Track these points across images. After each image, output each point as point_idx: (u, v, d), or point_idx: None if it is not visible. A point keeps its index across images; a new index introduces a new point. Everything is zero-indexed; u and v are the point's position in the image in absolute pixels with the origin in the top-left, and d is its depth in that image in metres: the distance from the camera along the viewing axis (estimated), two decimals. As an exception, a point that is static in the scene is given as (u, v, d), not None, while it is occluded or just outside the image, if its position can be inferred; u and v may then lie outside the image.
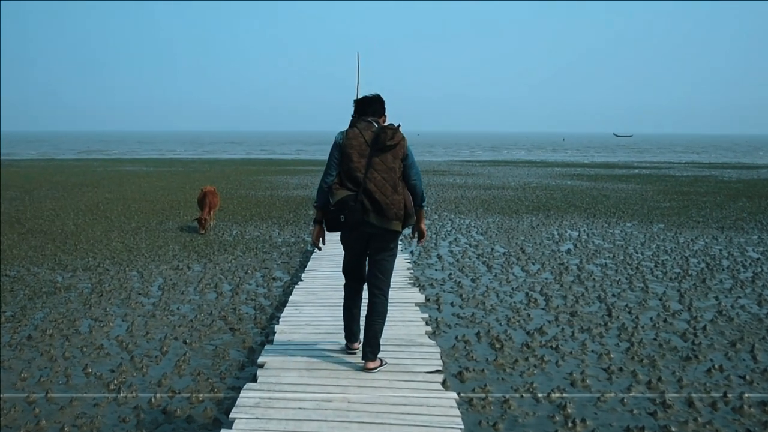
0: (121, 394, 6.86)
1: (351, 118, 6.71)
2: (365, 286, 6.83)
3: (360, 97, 6.77)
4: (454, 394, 6.01)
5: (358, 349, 6.90)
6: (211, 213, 17.65)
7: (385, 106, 6.81)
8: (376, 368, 6.58)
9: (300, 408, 5.62)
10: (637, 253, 14.62)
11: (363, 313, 6.88)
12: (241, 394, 5.98)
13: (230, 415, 5.57)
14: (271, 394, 5.94)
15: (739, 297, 10.84)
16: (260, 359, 6.94)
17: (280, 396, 5.90)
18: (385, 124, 6.66)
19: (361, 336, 6.81)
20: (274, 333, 7.93)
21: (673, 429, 6.11)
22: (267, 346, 7.38)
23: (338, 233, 6.63)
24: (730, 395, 6.88)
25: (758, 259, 14.01)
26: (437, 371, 6.58)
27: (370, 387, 6.13)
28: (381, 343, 6.74)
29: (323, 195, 6.50)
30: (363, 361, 6.63)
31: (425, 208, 6.84)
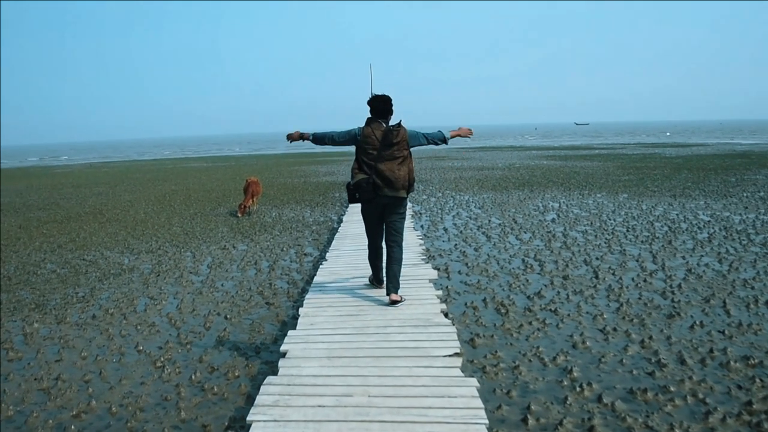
0: (166, 372, 5.81)
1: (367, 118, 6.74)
2: (383, 244, 7.02)
3: (371, 97, 6.67)
4: (475, 382, 4.63)
5: (383, 286, 6.85)
6: (254, 199, 16.46)
7: (392, 104, 6.73)
8: (398, 302, 6.69)
9: (319, 406, 4.31)
10: (610, 219, 13.40)
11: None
12: (261, 391, 4.64)
13: (248, 417, 4.23)
14: (291, 389, 4.61)
15: (702, 256, 9.73)
16: (283, 347, 5.61)
17: (299, 392, 4.57)
18: (391, 123, 6.66)
19: (384, 277, 7.13)
20: (298, 316, 6.62)
21: (672, 389, 5.05)
22: (290, 332, 6.01)
23: (359, 211, 7.13)
24: (715, 351, 5.84)
25: (709, 221, 12.86)
26: (456, 354, 5.25)
27: (390, 376, 4.78)
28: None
29: (328, 139, 6.77)
30: (388, 297, 6.73)
31: (448, 137, 6.91)
